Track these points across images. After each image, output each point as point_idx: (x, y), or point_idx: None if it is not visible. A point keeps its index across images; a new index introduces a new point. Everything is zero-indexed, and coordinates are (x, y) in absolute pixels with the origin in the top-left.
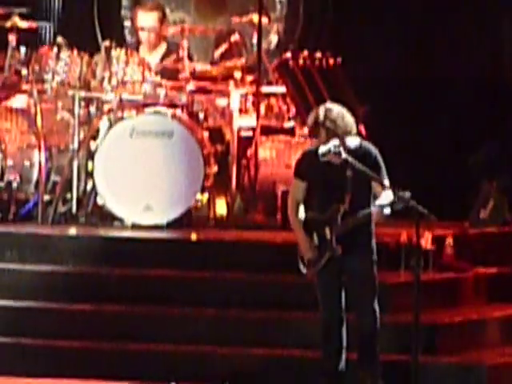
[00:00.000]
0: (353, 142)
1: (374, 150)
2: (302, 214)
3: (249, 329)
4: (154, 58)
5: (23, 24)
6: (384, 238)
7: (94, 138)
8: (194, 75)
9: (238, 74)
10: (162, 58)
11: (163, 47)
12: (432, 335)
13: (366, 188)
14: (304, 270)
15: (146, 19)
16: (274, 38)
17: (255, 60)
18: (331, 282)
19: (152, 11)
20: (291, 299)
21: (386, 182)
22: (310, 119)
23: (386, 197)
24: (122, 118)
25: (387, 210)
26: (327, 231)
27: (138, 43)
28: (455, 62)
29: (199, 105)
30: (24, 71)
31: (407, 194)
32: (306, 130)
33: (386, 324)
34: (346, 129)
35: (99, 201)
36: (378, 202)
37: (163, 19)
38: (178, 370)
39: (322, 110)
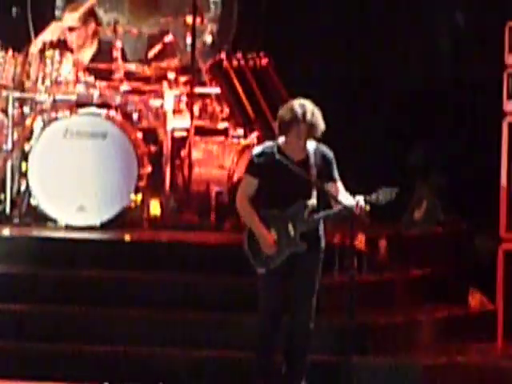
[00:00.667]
0: (311, 145)
1: (330, 152)
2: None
3: (184, 329)
4: (82, 57)
5: None
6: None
7: (28, 138)
8: (128, 76)
9: (171, 75)
10: (93, 58)
11: (94, 47)
12: (366, 336)
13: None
14: (260, 268)
15: (68, 18)
16: (207, 39)
17: (189, 61)
18: (279, 282)
19: (74, 11)
20: (226, 300)
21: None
22: (287, 115)
23: (346, 196)
24: (55, 119)
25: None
26: (290, 227)
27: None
28: (389, 61)
29: (133, 105)
30: None
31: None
32: (240, 131)
33: (320, 325)
34: (320, 127)
35: (33, 201)
36: (344, 200)
37: (87, 18)
38: (113, 371)
39: (299, 107)
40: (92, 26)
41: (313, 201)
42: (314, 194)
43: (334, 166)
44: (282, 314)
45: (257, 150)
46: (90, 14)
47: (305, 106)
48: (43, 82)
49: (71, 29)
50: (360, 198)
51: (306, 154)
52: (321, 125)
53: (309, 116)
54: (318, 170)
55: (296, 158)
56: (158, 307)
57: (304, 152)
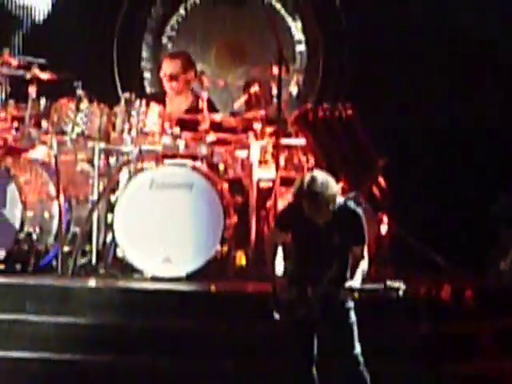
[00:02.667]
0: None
1: (358, 212)
2: (280, 259)
3: (271, 380)
4: (178, 106)
5: (43, 75)
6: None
7: (114, 189)
8: (214, 126)
9: (257, 126)
10: (189, 110)
11: (189, 98)
12: None
13: (346, 255)
14: (277, 316)
15: (169, 66)
16: (293, 90)
17: (275, 111)
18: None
19: (175, 58)
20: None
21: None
22: (294, 187)
23: (360, 273)
24: (141, 170)
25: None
26: (309, 289)
27: (163, 94)
28: (469, 112)
29: (219, 156)
30: (44, 123)
31: (397, 285)
32: None
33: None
34: (329, 198)
35: (119, 253)
36: (354, 281)
37: (188, 67)
38: None
39: (306, 179)
40: (191, 74)
41: (333, 272)
42: (338, 259)
43: (360, 228)
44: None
45: (287, 203)
46: (191, 64)
47: (311, 179)
48: (129, 133)
49: (171, 77)
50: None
51: (331, 216)
52: (332, 193)
53: (317, 189)
54: (343, 233)
55: (320, 221)
56: (247, 358)
57: (327, 215)
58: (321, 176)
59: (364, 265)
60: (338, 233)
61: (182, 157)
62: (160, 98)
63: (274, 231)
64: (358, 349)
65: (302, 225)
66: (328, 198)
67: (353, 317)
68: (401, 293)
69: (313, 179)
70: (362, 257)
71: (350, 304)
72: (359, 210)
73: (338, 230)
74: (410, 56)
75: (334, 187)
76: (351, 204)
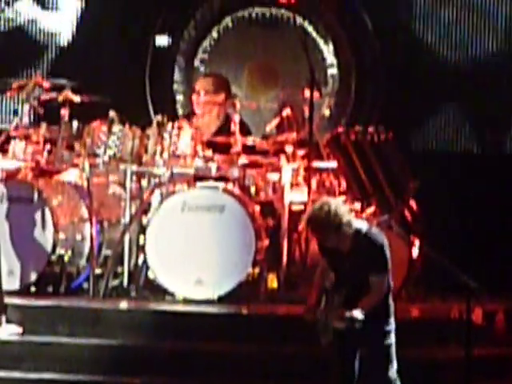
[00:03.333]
0: (360, 224)
1: (378, 240)
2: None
3: None
4: (207, 127)
5: (75, 98)
6: (434, 313)
7: (146, 211)
8: (246, 149)
9: (289, 149)
10: (218, 132)
11: (219, 120)
12: None
13: (361, 282)
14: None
15: (201, 83)
16: (325, 112)
17: (307, 134)
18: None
19: (209, 77)
20: None
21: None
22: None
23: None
24: (173, 192)
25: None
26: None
27: (193, 115)
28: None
29: (251, 179)
30: (76, 145)
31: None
32: (356, 205)
33: None
34: (334, 225)
35: (150, 275)
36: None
37: (219, 89)
38: None
39: (312, 208)
40: (222, 96)
41: (342, 294)
42: (349, 286)
43: (378, 257)
44: None
45: None
46: (224, 85)
47: (315, 208)
48: (161, 156)
49: (200, 93)
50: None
51: (346, 242)
52: (337, 220)
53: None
54: (359, 260)
55: (340, 249)
56: (277, 381)
57: (346, 243)
58: (327, 203)
59: (373, 296)
60: (354, 259)
61: (214, 179)
62: (190, 118)
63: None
64: (393, 371)
65: (328, 251)
66: (333, 225)
67: (391, 339)
68: (357, 325)
69: (317, 207)
70: (378, 287)
71: (391, 326)
72: (381, 239)
73: (356, 256)
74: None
75: (341, 213)
76: (373, 232)
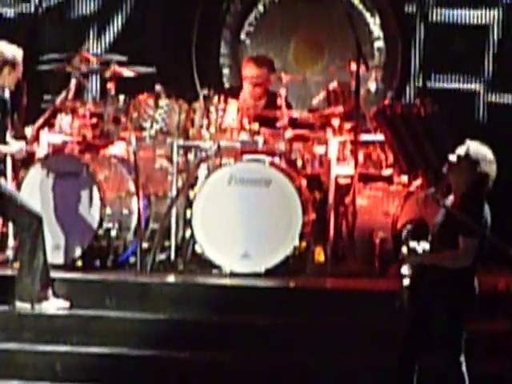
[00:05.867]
0: None
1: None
2: None
3: (356, 376)
4: (253, 107)
5: (122, 72)
6: (480, 286)
7: (193, 185)
8: (292, 123)
9: (336, 122)
10: (263, 109)
11: (264, 98)
12: None
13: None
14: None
15: (255, 72)
16: (372, 86)
17: (353, 108)
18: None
19: (262, 67)
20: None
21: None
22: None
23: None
24: (220, 166)
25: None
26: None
27: (239, 89)
28: None
29: (297, 152)
30: (123, 119)
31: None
32: (404, 178)
33: (483, 372)
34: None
35: (197, 248)
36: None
37: (270, 75)
38: None
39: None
40: (271, 80)
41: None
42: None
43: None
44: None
45: None
46: (273, 69)
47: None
48: (208, 129)
49: (256, 84)
50: None
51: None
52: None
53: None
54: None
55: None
56: (322, 353)
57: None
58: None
59: (453, 254)
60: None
61: (261, 153)
62: (237, 92)
63: None
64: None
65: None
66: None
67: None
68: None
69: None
70: (462, 249)
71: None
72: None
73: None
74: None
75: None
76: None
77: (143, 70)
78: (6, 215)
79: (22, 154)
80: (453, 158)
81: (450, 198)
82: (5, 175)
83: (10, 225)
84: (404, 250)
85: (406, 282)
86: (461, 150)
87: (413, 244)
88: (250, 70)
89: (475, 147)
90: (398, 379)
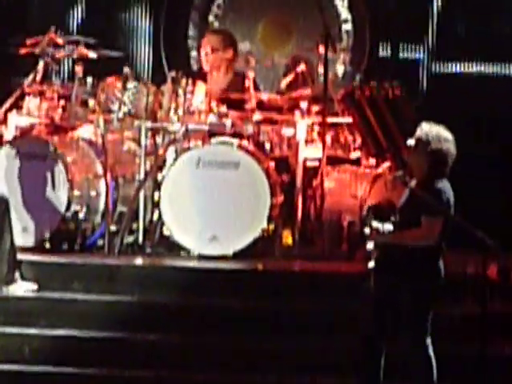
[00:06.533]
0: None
1: (439, 186)
2: None
3: (320, 357)
4: (216, 83)
5: (90, 54)
6: (450, 269)
7: (161, 168)
8: (260, 105)
9: (304, 105)
10: (228, 88)
11: (228, 76)
12: (498, 368)
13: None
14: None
15: (208, 40)
16: (340, 69)
17: (321, 90)
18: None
19: (215, 34)
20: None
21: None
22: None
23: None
24: (188, 149)
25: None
26: None
27: (201, 71)
28: None
29: (265, 135)
30: (91, 101)
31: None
32: (372, 161)
33: (451, 355)
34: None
35: (165, 231)
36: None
37: (227, 45)
38: None
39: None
40: (230, 52)
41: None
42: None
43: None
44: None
45: None
46: (232, 42)
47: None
48: (176, 112)
49: (212, 50)
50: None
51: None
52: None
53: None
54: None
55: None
56: (290, 336)
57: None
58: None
59: (416, 233)
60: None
61: (229, 135)
62: (202, 75)
63: None
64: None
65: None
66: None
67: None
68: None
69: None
70: (425, 228)
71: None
72: (442, 185)
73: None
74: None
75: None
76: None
77: (111, 53)
78: None
79: None
80: (410, 141)
81: (414, 180)
82: None
83: None
84: (366, 230)
85: (371, 263)
86: (417, 131)
87: (376, 224)
88: (207, 39)
89: (426, 128)
90: (364, 360)
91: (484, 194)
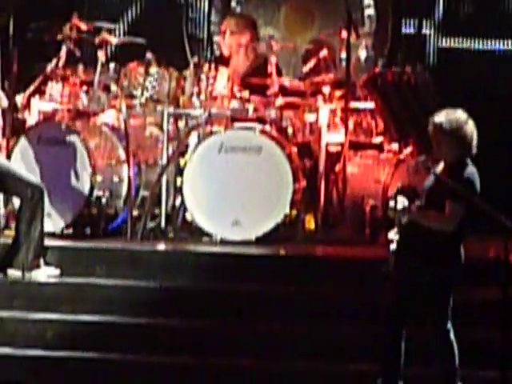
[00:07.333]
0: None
1: (469, 172)
2: None
3: (346, 343)
4: (237, 66)
5: (112, 40)
6: (471, 254)
7: (183, 153)
8: (282, 90)
9: (326, 90)
10: (248, 73)
11: (249, 58)
12: None
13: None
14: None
15: (226, 23)
16: (362, 54)
17: (344, 75)
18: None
19: (233, 17)
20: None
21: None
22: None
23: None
24: (210, 134)
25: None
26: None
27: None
28: None
29: (288, 120)
30: (113, 87)
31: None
32: (394, 146)
33: (475, 340)
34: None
35: (188, 216)
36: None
37: (243, 29)
38: None
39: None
40: (247, 35)
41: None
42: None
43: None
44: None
45: None
46: (249, 25)
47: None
48: (198, 97)
49: (230, 33)
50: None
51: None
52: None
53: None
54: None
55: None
56: (312, 321)
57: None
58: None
59: (440, 217)
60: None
61: (251, 120)
62: (224, 60)
63: None
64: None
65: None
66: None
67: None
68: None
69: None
70: (449, 212)
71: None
72: (471, 172)
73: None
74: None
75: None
76: (470, 163)
77: (133, 39)
78: (7, 190)
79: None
80: (430, 128)
81: (440, 165)
82: None
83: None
84: (391, 204)
85: (393, 246)
86: (436, 120)
87: (401, 198)
88: (225, 23)
89: (451, 114)
90: (385, 345)
91: (504, 176)
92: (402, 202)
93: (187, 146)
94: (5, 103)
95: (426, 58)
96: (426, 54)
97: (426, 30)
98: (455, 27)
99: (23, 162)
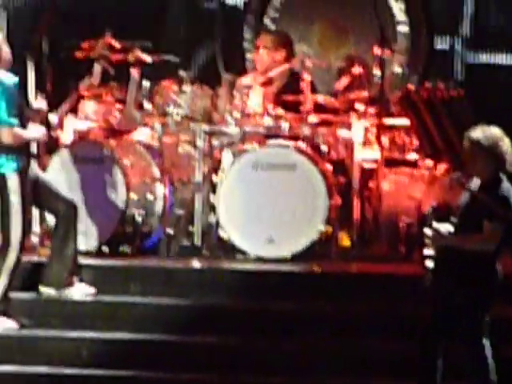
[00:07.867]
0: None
1: (506, 192)
2: None
3: (378, 360)
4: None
5: (146, 58)
6: (505, 270)
7: (217, 170)
8: (316, 107)
9: (360, 106)
10: (283, 88)
11: (285, 77)
12: None
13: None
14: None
15: (262, 39)
16: (396, 70)
17: (378, 92)
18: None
19: (269, 34)
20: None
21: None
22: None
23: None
24: (244, 151)
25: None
26: None
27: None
28: None
29: (321, 137)
30: (147, 105)
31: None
32: (428, 162)
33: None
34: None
35: (222, 234)
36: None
37: (279, 46)
38: None
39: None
40: (282, 53)
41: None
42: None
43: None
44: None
45: None
46: (285, 42)
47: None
48: (231, 114)
49: (264, 50)
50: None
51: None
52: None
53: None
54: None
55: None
56: (348, 338)
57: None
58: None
59: (476, 238)
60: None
61: (285, 138)
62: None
63: None
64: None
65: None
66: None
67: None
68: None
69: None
70: (486, 234)
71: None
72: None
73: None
74: None
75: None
76: (506, 182)
77: (167, 57)
78: (42, 205)
79: (44, 137)
80: (465, 144)
81: (475, 182)
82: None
83: (35, 211)
84: (427, 231)
85: (430, 264)
86: (472, 136)
87: (436, 225)
88: (260, 39)
89: (486, 131)
90: (421, 363)
91: None
92: (437, 229)
93: (221, 164)
94: (44, 107)
95: (456, 74)
96: (455, 69)
97: (456, 46)
98: (484, 42)
99: (58, 181)
